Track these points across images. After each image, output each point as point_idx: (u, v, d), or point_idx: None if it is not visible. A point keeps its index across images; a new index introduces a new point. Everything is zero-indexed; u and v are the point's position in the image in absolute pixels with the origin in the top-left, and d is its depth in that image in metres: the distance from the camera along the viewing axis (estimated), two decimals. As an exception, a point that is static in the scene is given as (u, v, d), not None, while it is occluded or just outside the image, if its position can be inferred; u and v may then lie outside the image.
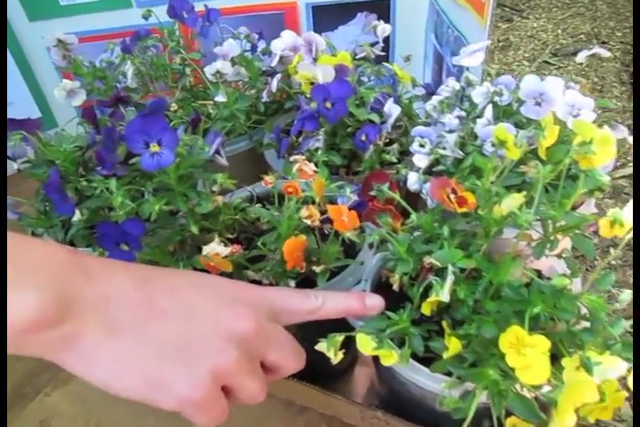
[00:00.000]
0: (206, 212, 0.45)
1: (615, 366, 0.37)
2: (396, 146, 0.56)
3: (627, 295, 0.39)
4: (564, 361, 0.36)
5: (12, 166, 0.57)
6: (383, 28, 0.62)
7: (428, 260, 0.43)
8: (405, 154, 0.61)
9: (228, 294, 0.36)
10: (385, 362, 0.39)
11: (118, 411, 0.60)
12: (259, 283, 0.48)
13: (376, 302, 0.43)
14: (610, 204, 1.55)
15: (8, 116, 0.57)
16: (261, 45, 0.69)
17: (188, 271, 0.44)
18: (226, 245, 0.45)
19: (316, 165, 0.51)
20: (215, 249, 0.42)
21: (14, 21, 0.85)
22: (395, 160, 0.56)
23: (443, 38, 0.82)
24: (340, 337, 0.41)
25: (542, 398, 0.36)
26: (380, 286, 0.47)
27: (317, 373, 0.56)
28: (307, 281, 0.48)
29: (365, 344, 0.39)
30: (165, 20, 0.72)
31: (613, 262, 1.11)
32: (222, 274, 0.47)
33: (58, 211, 0.47)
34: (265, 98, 0.60)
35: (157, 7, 0.83)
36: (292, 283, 0.46)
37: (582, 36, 2.29)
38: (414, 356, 0.42)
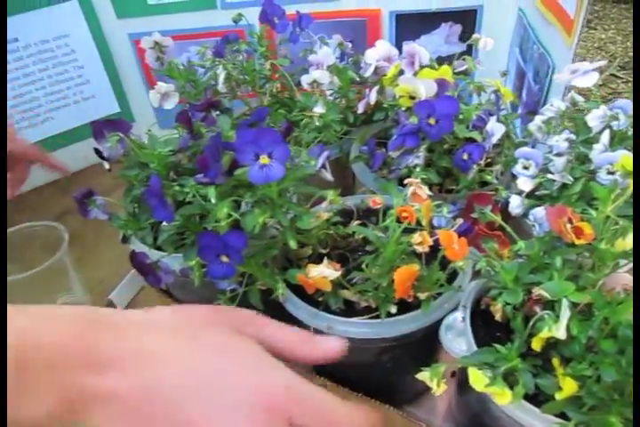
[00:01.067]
0: (307, 228, 0.44)
1: None
2: (499, 167, 0.54)
3: None
4: None
5: (86, 160, 0.57)
6: (485, 42, 0.60)
7: (537, 291, 0.41)
8: (500, 174, 0.59)
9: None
10: (499, 401, 0.37)
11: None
12: (354, 303, 0.46)
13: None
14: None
15: (98, 117, 0.57)
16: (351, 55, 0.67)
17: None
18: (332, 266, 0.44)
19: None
20: (324, 272, 0.41)
21: (102, 17, 0.86)
22: (495, 181, 0.54)
23: (527, 54, 0.80)
24: (442, 367, 0.40)
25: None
26: (478, 314, 0.45)
27: (394, 393, 0.54)
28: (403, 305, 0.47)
29: (478, 380, 0.37)
30: (247, 23, 0.72)
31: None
32: (318, 291, 0.46)
33: (156, 216, 0.47)
34: (361, 110, 0.59)
35: (241, 9, 0.84)
36: (394, 309, 0.45)
37: (653, 49, 2.20)
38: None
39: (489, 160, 0.55)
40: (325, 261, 0.43)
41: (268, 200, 0.45)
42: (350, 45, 0.66)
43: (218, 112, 0.60)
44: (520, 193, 0.50)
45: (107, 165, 0.57)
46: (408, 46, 0.59)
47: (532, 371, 0.40)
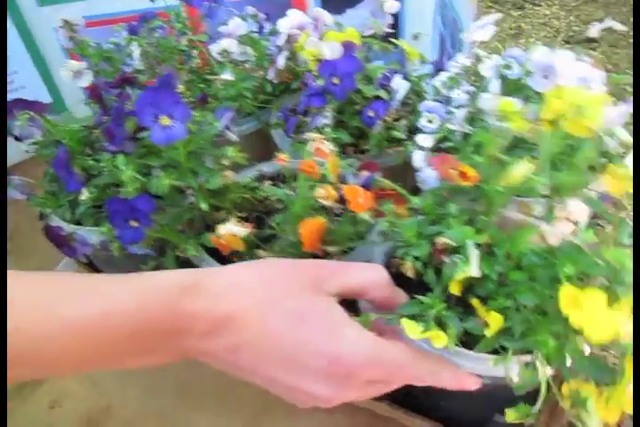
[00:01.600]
0: (215, 188, 0.44)
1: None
2: (404, 122, 0.55)
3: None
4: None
5: (21, 149, 0.58)
6: (391, 5, 0.61)
7: (441, 240, 0.42)
8: (414, 132, 0.61)
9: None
10: (436, 344, 0.38)
11: (127, 394, 0.60)
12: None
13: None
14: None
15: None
16: (269, 28, 0.68)
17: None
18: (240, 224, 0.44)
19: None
20: (232, 229, 0.42)
21: (24, 6, 0.85)
22: (404, 137, 0.55)
23: (446, 20, 0.82)
24: (369, 316, 0.39)
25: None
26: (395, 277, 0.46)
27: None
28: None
29: (412, 329, 0.38)
30: (172, 4, 0.72)
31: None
32: (233, 252, 0.47)
33: (66, 188, 0.47)
34: (271, 76, 0.59)
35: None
36: None
37: (595, 22, 2.25)
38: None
39: (397, 117, 0.56)
40: (233, 219, 0.44)
41: (177, 164, 0.45)
42: (265, 17, 0.66)
43: (139, 90, 0.60)
44: (422, 149, 0.51)
45: (23, 146, 0.57)
46: (313, 11, 0.60)
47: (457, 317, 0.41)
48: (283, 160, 0.45)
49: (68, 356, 0.31)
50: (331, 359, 0.32)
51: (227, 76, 0.56)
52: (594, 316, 0.33)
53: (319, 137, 0.44)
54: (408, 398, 0.52)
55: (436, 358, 0.38)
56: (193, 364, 0.61)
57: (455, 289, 0.41)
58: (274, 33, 0.66)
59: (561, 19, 2.35)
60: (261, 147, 0.63)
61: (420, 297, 0.41)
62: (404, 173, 0.53)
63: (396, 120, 0.59)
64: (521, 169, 0.40)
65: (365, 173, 0.46)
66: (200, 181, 0.46)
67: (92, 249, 0.50)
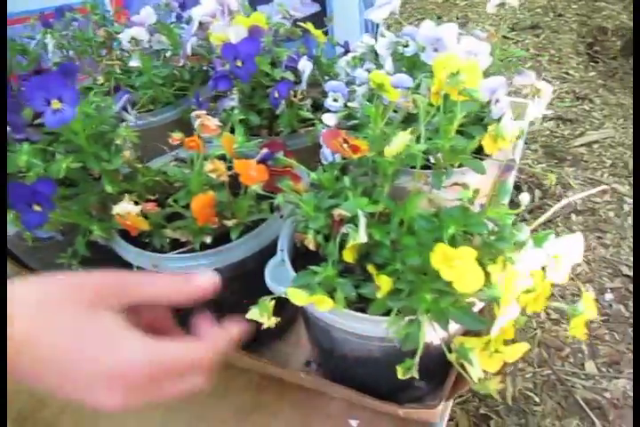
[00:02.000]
0: (115, 168, 0.46)
1: (535, 258, 0.39)
2: (308, 101, 0.57)
3: (525, 197, 0.42)
4: (491, 268, 0.38)
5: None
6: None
7: (337, 212, 0.44)
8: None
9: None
10: (321, 308, 0.40)
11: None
12: (177, 241, 0.49)
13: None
14: (570, 171, 1.58)
15: None
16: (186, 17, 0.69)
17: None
18: (137, 203, 0.45)
19: (232, 125, 0.52)
20: (126, 208, 0.43)
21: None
22: (311, 117, 0.57)
23: (367, 3, 0.84)
24: (270, 301, 0.42)
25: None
26: (299, 255, 0.48)
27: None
28: (224, 236, 0.49)
29: (297, 296, 0.40)
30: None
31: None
32: (142, 233, 0.48)
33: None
34: (182, 62, 0.61)
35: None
36: (208, 239, 0.47)
37: (539, 9, 2.31)
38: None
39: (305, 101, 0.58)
40: (127, 197, 0.45)
41: (79, 148, 0.46)
42: (177, 5, 0.67)
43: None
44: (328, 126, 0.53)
45: None
46: (219, -5, 0.62)
47: (353, 284, 0.43)
48: (175, 139, 0.46)
49: None
50: (109, 375, 0.34)
51: (134, 62, 0.57)
52: (463, 270, 0.36)
53: (203, 113, 0.45)
54: (326, 366, 0.54)
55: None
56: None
57: (349, 257, 0.43)
58: (190, 21, 0.67)
59: (505, 6, 2.40)
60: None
61: (313, 267, 0.43)
62: (316, 154, 0.55)
63: (302, 100, 0.60)
64: (401, 139, 0.42)
65: (264, 151, 0.47)
66: (103, 164, 0.47)
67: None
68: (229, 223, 0.46)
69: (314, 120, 0.56)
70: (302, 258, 0.47)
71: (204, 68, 0.66)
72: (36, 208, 0.44)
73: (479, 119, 0.53)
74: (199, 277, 0.38)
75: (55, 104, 0.41)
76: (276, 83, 0.59)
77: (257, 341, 0.56)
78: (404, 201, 0.45)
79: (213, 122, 0.45)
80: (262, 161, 0.46)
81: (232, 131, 0.54)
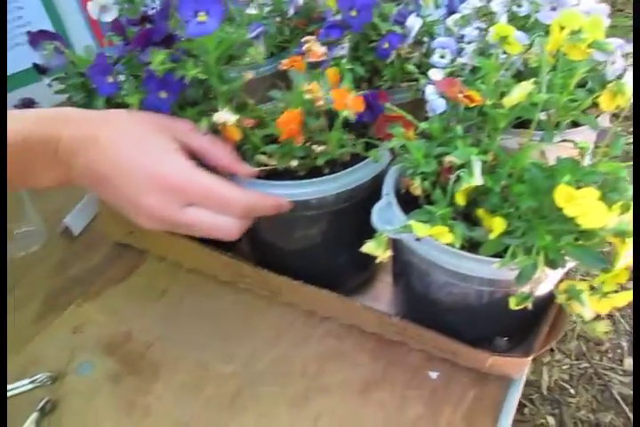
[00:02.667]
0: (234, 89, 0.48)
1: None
2: (417, 54, 0.58)
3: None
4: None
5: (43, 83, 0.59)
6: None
7: (448, 159, 0.45)
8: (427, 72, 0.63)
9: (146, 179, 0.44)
10: (442, 239, 0.41)
11: (146, 320, 0.63)
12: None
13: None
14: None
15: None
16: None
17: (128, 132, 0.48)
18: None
19: (342, 73, 0.53)
20: (223, 117, 0.45)
21: (38, -44, 0.86)
22: (416, 71, 0.58)
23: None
24: (385, 236, 0.44)
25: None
26: (402, 201, 0.49)
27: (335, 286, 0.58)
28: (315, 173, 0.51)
29: (419, 228, 0.41)
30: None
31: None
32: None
33: (101, 91, 0.50)
34: (292, 11, 0.62)
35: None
36: (295, 162, 0.49)
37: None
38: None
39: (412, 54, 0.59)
40: (226, 107, 0.47)
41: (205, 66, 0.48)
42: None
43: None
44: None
45: (47, 80, 0.59)
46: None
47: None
48: (285, 65, 0.48)
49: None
50: (156, 175, 0.43)
51: (250, 10, 0.59)
52: (587, 207, 0.36)
53: (312, 38, 0.46)
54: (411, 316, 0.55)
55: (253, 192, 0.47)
56: (210, 294, 0.64)
57: (461, 200, 0.44)
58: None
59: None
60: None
61: (428, 206, 0.44)
62: (417, 110, 0.56)
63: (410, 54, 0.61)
64: (521, 89, 0.43)
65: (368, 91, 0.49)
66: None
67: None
68: (317, 149, 0.48)
69: (417, 75, 0.57)
70: (404, 205, 0.49)
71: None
72: (163, 95, 0.47)
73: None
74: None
75: (201, 17, 0.44)
76: (382, 36, 0.60)
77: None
78: (515, 152, 0.46)
79: (320, 48, 0.46)
80: (367, 97, 0.48)
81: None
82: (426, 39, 0.61)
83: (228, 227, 0.45)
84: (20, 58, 0.88)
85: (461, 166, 0.45)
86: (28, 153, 0.44)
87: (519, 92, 0.43)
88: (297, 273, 0.58)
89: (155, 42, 0.48)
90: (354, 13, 0.55)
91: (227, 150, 0.49)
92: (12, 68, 0.90)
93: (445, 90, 0.46)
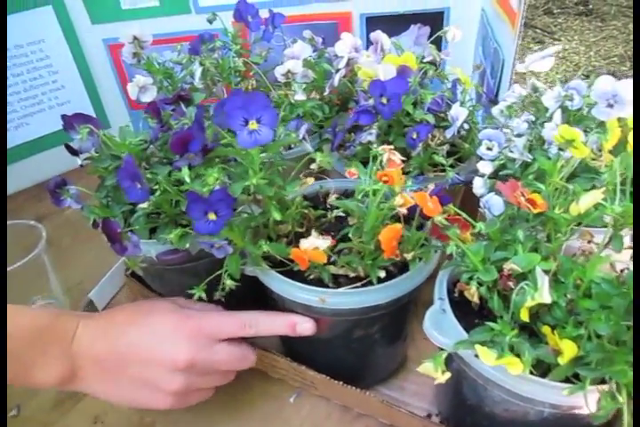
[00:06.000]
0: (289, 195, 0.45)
1: None
2: (445, 147, 0.57)
3: None
4: None
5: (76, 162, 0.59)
6: (454, 33, 0.63)
7: (508, 266, 0.43)
8: (461, 160, 0.62)
9: (170, 328, 0.49)
10: (511, 371, 0.38)
11: (172, 411, 0.60)
12: (344, 277, 0.48)
13: (308, 328, 0.50)
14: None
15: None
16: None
17: (138, 308, 0.53)
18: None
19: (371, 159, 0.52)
20: (315, 243, 0.43)
21: (77, 23, 0.88)
22: (443, 162, 0.57)
23: (486, 50, 0.84)
24: (443, 356, 0.41)
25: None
26: (452, 301, 0.46)
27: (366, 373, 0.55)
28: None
29: (487, 356, 0.38)
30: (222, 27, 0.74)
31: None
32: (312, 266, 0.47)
33: (130, 198, 0.48)
34: (327, 91, 0.61)
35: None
36: (383, 273, 0.47)
37: (615, 58, 2.30)
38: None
39: (443, 143, 0.58)
40: (314, 232, 0.44)
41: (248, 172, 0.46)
42: (321, 40, 0.68)
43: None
44: (482, 175, 0.52)
45: (79, 160, 0.58)
46: (374, 33, 0.63)
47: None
48: (353, 174, 0.46)
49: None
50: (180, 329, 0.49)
51: (299, 96, 0.58)
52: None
53: (389, 148, 0.45)
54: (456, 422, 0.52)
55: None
56: (240, 382, 0.61)
57: (524, 316, 0.41)
58: (321, 56, 0.68)
59: (580, 54, 2.39)
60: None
61: (490, 324, 0.41)
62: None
63: (441, 145, 0.60)
64: (591, 198, 0.40)
65: (432, 186, 0.47)
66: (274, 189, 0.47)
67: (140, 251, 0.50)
68: (409, 256, 0.46)
69: (446, 166, 0.55)
70: (455, 307, 0.46)
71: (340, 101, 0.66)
72: (212, 217, 0.44)
73: None
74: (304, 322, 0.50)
75: (252, 125, 0.41)
76: (414, 123, 0.59)
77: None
78: (579, 261, 0.44)
79: (398, 156, 0.45)
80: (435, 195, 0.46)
81: (364, 164, 0.54)
82: (465, 126, 0.60)
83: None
84: (53, 120, 0.89)
85: (522, 275, 0.42)
86: (40, 343, 0.46)
87: (588, 202, 0.41)
88: (331, 365, 0.55)
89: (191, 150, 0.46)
90: (384, 101, 0.54)
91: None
92: (44, 130, 0.91)
93: (508, 194, 0.44)
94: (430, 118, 0.57)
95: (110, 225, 0.49)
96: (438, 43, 0.92)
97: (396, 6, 0.89)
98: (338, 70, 0.63)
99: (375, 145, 0.55)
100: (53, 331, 0.47)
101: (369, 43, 0.91)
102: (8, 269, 0.60)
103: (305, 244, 0.43)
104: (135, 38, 0.62)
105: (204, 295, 0.50)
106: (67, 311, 0.51)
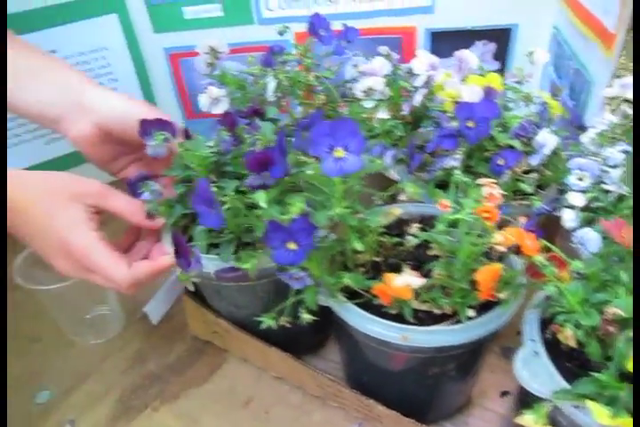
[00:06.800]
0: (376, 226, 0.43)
1: None
2: (535, 175, 0.54)
3: None
4: None
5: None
6: (540, 56, 0.61)
7: (612, 310, 0.40)
8: (541, 187, 0.59)
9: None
10: None
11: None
12: (427, 313, 0.46)
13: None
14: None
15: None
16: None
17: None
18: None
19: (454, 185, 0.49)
20: (407, 281, 0.40)
21: (139, 32, 0.87)
22: (530, 190, 0.54)
23: (562, 70, 0.80)
24: (546, 409, 0.38)
25: None
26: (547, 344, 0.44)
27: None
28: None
29: (602, 415, 0.36)
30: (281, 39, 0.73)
31: None
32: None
33: (204, 223, 0.47)
34: (406, 110, 0.59)
35: (278, 25, 0.85)
36: (472, 313, 0.44)
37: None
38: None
39: (529, 170, 0.55)
40: (407, 269, 0.42)
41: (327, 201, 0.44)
42: (397, 57, 0.66)
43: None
44: (571, 206, 0.49)
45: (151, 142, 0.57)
46: (458, 52, 0.60)
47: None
48: (446, 207, 0.43)
49: None
50: (63, 245, 0.49)
51: (382, 114, 0.56)
52: None
53: (490, 181, 0.42)
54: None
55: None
56: (298, 408, 0.59)
57: (630, 367, 0.38)
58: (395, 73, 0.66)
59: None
60: (376, 183, 0.62)
61: (596, 374, 0.38)
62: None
63: (526, 173, 0.57)
64: None
65: (524, 219, 0.44)
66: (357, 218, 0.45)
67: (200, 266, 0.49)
68: (503, 296, 0.43)
69: (531, 195, 0.52)
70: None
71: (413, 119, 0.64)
72: (291, 246, 0.42)
73: None
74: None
75: (338, 152, 0.39)
76: (497, 148, 0.56)
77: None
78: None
79: (499, 191, 0.42)
80: (529, 229, 0.43)
81: (440, 187, 0.52)
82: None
83: (123, 292, 0.52)
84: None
85: (625, 320, 0.39)
86: None
87: None
88: (398, 399, 0.53)
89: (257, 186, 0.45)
90: (471, 124, 0.52)
91: (140, 209, 0.53)
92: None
93: (615, 234, 0.41)
94: (517, 144, 0.55)
95: (180, 240, 0.47)
96: (503, 60, 0.90)
97: (463, 22, 0.86)
98: (417, 89, 0.60)
99: (458, 171, 0.53)
100: None
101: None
102: (70, 282, 0.60)
103: (398, 281, 0.40)
104: (212, 49, 0.61)
105: (272, 323, 0.48)
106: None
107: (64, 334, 0.70)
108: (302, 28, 0.70)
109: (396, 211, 0.46)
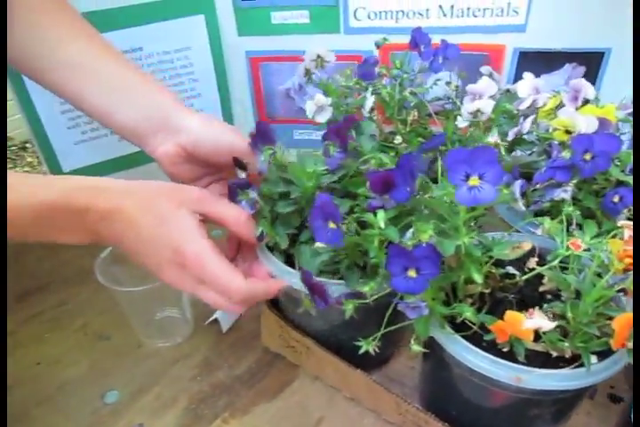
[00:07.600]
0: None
1: None
2: None
3: None
4: None
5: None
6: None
7: None
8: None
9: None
10: None
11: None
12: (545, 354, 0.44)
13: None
14: None
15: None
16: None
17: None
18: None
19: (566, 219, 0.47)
20: (539, 324, 0.38)
21: (224, 34, 0.87)
22: None
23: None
24: None
25: None
26: None
27: None
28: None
29: None
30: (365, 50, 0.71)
31: None
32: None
33: (317, 239, 0.45)
34: (511, 136, 0.57)
35: (364, 35, 0.84)
36: (595, 359, 0.42)
37: None
38: None
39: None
40: (538, 311, 0.40)
41: (452, 229, 0.42)
42: (499, 76, 0.64)
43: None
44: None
45: (242, 175, 0.57)
46: (575, 80, 0.58)
47: None
48: (579, 247, 0.41)
49: (18, 223, 0.45)
50: (177, 254, 0.48)
51: (494, 138, 0.53)
52: None
53: (629, 224, 0.40)
54: None
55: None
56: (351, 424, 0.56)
57: None
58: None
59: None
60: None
61: None
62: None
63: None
64: None
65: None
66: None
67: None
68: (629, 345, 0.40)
69: None
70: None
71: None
72: (411, 274, 0.40)
73: None
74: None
75: (473, 181, 0.38)
76: (607, 183, 0.54)
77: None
78: None
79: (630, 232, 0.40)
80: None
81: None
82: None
83: (230, 308, 0.51)
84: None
85: None
86: (50, 220, 0.47)
87: None
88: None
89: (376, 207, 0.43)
90: (588, 157, 0.49)
91: (243, 215, 0.52)
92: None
93: None
94: (631, 181, 0.52)
95: (308, 276, 0.46)
96: (592, 85, 0.87)
97: (554, 43, 0.84)
98: (521, 113, 0.58)
99: (568, 205, 0.50)
100: (62, 212, 0.47)
101: (516, 79, 0.87)
102: (151, 285, 0.59)
103: (528, 323, 0.38)
104: (318, 56, 0.60)
105: (370, 348, 0.47)
106: (83, 186, 0.49)
107: (133, 334, 0.69)
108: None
109: (527, 246, 0.44)
